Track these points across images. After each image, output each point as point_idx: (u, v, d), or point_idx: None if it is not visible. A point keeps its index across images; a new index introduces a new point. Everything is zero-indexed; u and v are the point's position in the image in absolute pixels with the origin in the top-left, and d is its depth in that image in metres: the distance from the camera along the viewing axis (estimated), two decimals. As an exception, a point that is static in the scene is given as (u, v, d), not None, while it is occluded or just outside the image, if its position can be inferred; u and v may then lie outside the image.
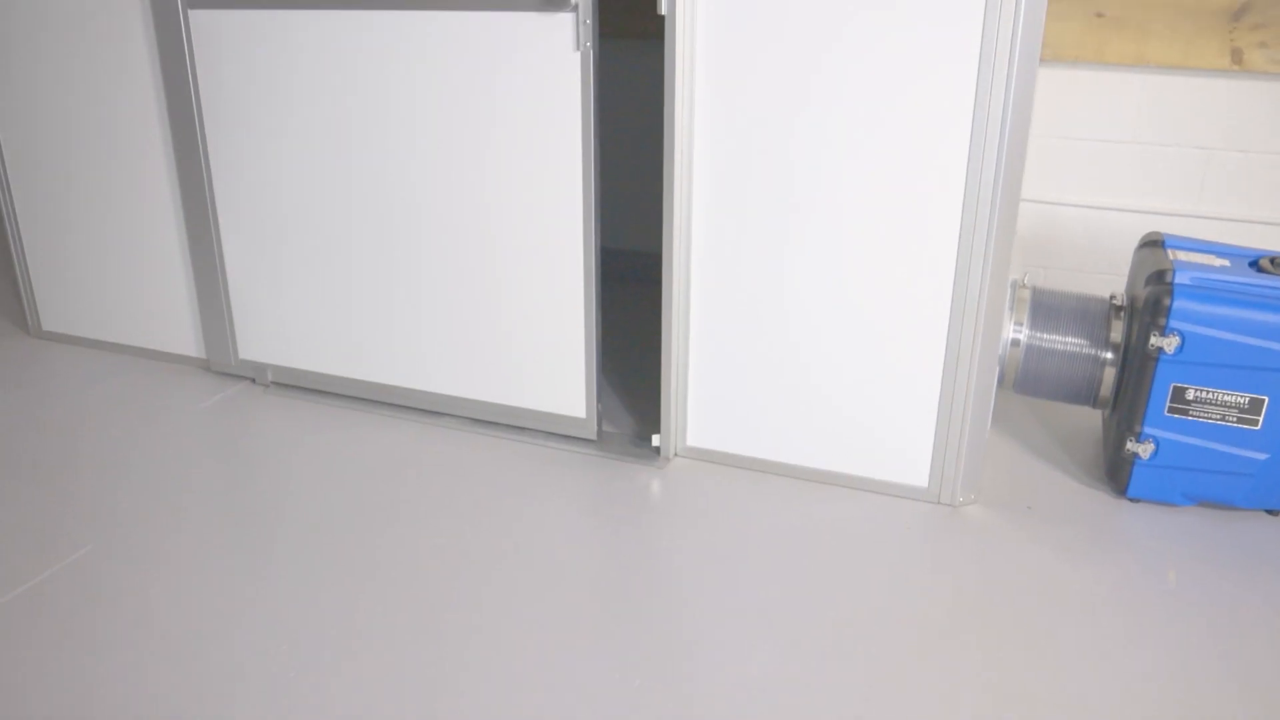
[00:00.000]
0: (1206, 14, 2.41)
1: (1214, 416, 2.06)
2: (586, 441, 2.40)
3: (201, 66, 2.46)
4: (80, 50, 2.62)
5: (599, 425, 2.38)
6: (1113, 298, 2.23)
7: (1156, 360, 2.05)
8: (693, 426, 2.32)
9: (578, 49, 2.07)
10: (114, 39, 2.56)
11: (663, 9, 1.98)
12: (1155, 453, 2.10)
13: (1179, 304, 2.01)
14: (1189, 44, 2.44)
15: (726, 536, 2.04)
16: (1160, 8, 2.43)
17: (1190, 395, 2.06)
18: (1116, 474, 2.18)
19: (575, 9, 2.03)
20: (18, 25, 2.67)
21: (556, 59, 2.09)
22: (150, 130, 2.62)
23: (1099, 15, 2.48)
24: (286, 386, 2.72)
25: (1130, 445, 2.12)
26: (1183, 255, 2.14)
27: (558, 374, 2.36)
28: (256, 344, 2.71)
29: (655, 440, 2.35)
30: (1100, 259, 2.69)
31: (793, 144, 2.02)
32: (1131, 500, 2.18)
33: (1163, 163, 2.58)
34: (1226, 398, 2.04)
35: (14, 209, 2.94)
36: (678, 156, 2.09)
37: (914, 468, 2.16)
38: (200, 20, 2.42)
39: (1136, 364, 2.10)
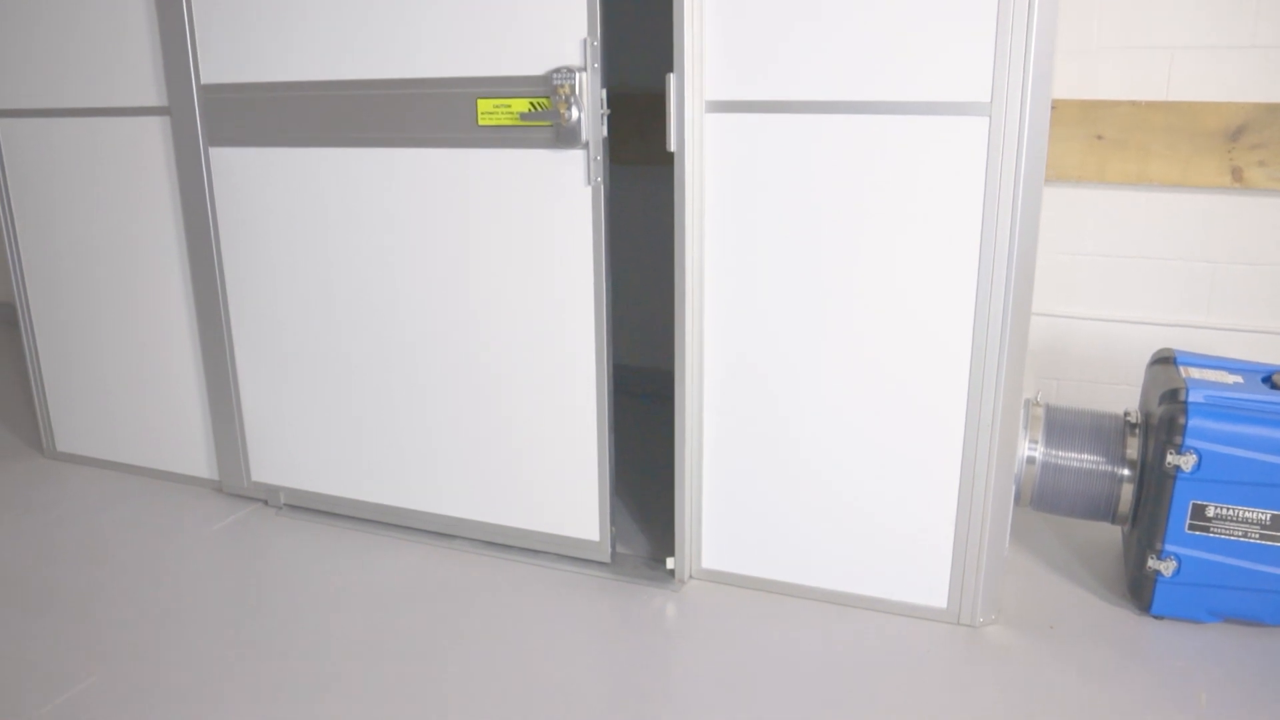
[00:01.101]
0: (1204, 135, 2.46)
1: (1236, 533, 2.03)
2: (600, 564, 2.37)
3: (220, 200, 2.53)
4: (104, 181, 2.69)
5: (612, 548, 2.36)
6: (1127, 414, 2.23)
7: (1174, 478, 2.03)
8: (707, 548, 2.30)
9: (589, 184, 2.11)
10: (138, 172, 2.63)
11: (672, 146, 2.04)
12: (1178, 570, 2.07)
13: (1194, 422, 2.01)
14: (1189, 164, 2.48)
15: (743, 663, 2.00)
16: (1159, 130, 2.49)
17: (1210, 512, 2.03)
18: (1139, 591, 2.15)
19: (586, 146, 2.08)
20: (45, 156, 2.75)
21: (568, 194, 2.14)
22: (169, 258, 2.67)
23: (1099, 138, 2.54)
24: (298, 508, 2.71)
25: (1152, 563, 2.09)
26: (1195, 372, 2.14)
27: (570, 497, 2.35)
28: (269, 466, 2.71)
29: (670, 563, 2.32)
30: (1113, 371, 2.69)
31: (803, 266, 2.05)
32: (1156, 618, 2.14)
33: (1170, 276, 2.60)
34: (1248, 514, 2.02)
35: (33, 331, 2.98)
36: (689, 281, 2.11)
37: (933, 588, 2.13)
38: (220, 157, 2.49)
39: (1154, 481, 2.09)
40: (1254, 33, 2.41)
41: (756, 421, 2.18)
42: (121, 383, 2.89)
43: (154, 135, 2.57)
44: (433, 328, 2.39)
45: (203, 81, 2.44)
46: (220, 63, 2.42)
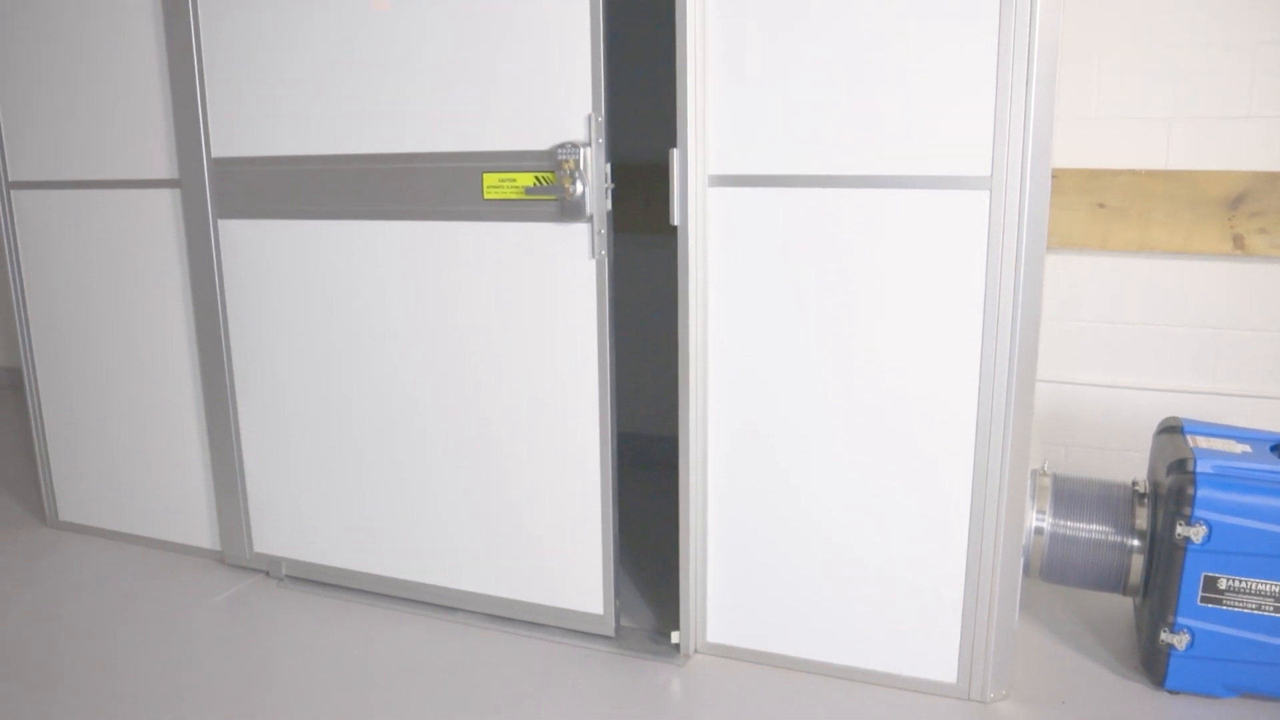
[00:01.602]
0: (1205, 203, 2.47)
1: (1250, 606, 2.00)
2: (604, 638, 2.34)
3: (228, 271, 2.55)
4: (114, 250, 2.72)
5: (617, 622, 2.33)
6: (1135, 484, 2.21)
7: (1184, 549, 2.01)
8: (713, 622, 2.27)
9: (593, 257, 2.13)
10: (147, 243, 2.66)
11: (675, 220, 2.05)
12: (1191, 643, 2.04)
13: (1203, 493, 1.99)
14: (1190, 231, 2.50)
15: (751, 744, 1.96)
16: (1160, 198, 2.50)
17: (1223, 584, 2.01)
18: (1153, 665, 2.11)
19: (590, 220, 2.10)
20: (56, 225, 2.78)
21: (572, 267, 2.16)
22: (175, 327, 2.69)
23: (1101, 205, 2.56)
24: (300, 580, 2.69)
25: (1165, 636, 2.05)
26: (1202, 441, 2.13)
27: (574, 570, 2.33)
28: (272, 537, 2.70)
29: (675, 637, 2.29)
30: (1121, 438, 2.68)
31: (808, 337, 2.06)
32: (1170, 692, 2.10)
33: (1175, 342, 2.60)
34: (1261, 586, 1.99)
35: (39, 398, 2.99)
36: (693, 353, 2.12)
37: (942, 663, 2.10)
38: (228, 229, 2.52)
39: (1165, 553, 2.06)
40: (1249, 104, 2.44)
41: (762, 495, 2.16)
42: (125, 452, 2.88)
43: (164, 207, 2.60)
44: (438, 399, 2.39)
45: (213, 155, 2.48)
46: (231, 137, 2.46)
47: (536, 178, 2.12)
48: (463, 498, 2.42)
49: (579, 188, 2.05)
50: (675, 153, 2.02)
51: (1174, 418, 2.28)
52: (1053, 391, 2.71)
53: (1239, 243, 2.48)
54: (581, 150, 2.05)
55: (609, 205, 2.10)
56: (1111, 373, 2.67)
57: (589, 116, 2.06)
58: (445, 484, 2.43)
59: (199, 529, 2.83)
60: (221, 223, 2.52)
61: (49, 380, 2.96)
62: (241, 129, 2.45)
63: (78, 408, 2.93)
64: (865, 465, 2.07)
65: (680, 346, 2.13)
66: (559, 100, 2.08)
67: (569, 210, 2.09)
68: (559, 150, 2.07)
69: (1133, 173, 2.52)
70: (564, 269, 2.17)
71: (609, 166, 2.08)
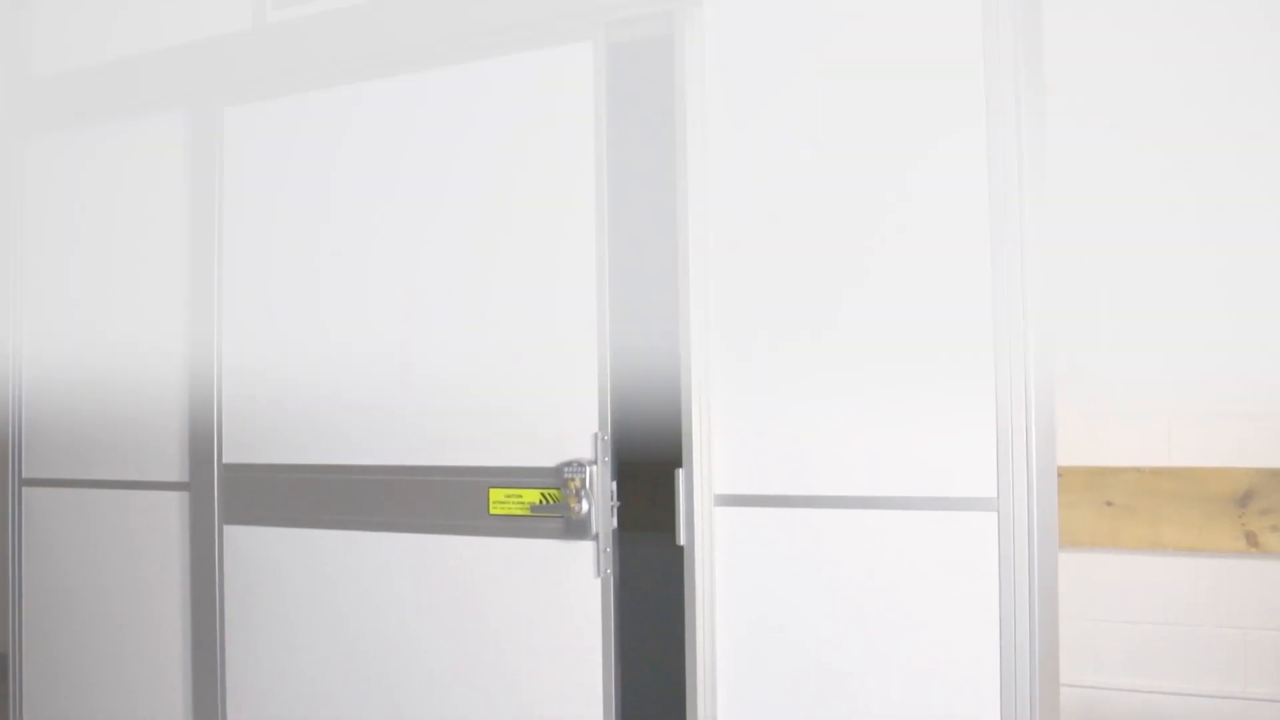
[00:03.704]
0: (1214, 500, 2.46)
1: None
2: None
3: (229, 575, 2.51)
4: (117, 550, 2.69)
5: None
6: (1176, 813, 2.07)
7: None
8: None
9: (598, 576, 2.10)
10: (150, 543, 2.64)
11: (681, 539, 2.04)
12: None
13: (1250, 830, 1.86)
14: (1201, 529, 2.47)
15: None
16: (1167, 495, 2.49)
17: None
18: None
19: (596, 538, 2.09)
20: (62, 522, 2.77)
21: (577, 586, 2.12)
22: (171, 631, 2.61)
23: (1109, 504, 2.54)
24: None
25: None
26: (1242, 766, 2.01)
27: None
28: None
29: None
30: (1152, 746, 2.54)
31: (820, 653, 2.00)
32: None
33: (1199, 643, 2.51)
34: None
35: (21, 700, 2.86)
36: (701, 675, 2.05)
37: None
38: (233, 534, 2.50)
39: None
40: (1244, 403, 2.47)
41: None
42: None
43: (171, 509, 2.60)
44: (442, 697, 2.28)
45: (224, 460, 2.50)
46: (242, 443, 2.49)
47: (542, 495, 2.12)
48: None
49: (585, 506, 2.05)
50: (681, 473, 2.03)
51: (1209, 736, 2.17)
52: (1076, 697, 2.59)
53: (1252, 540, 2.45)
54: (588, 468, 2.06)
55: (614, 523, 2.09)
56: (1136, 675, 2.56)
57: (595, 435, 2.08)
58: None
59: None
60: (227, 528, 2.50)
61: (34, 677, 2.85)
62: (253, 436, 2.48)
63: (61, 708, 2.81)
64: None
65: (688, 663, 2.05)
66: (566, 419, 2.12)
67: (574, 528, 2.08)
68: (565, 468, 2.08)
69: (1138, 470, 2.53)
70: (569, 586, 2.13)
71: (614, 485, 2.09)
